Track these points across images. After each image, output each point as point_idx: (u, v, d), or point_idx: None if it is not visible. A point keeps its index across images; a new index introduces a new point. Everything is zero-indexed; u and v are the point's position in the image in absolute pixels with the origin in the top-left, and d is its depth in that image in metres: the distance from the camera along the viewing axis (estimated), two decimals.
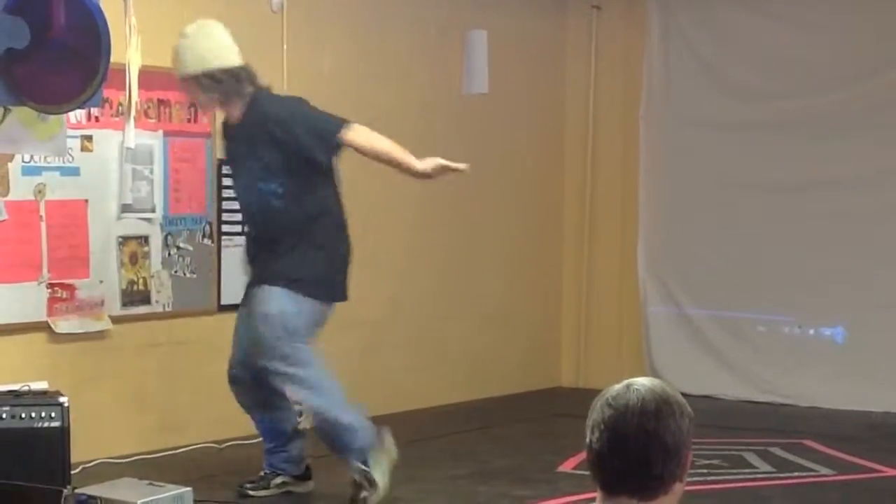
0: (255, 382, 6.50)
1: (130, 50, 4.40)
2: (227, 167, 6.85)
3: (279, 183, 6.29)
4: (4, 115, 4.42)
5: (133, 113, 4.40)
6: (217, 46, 6.35)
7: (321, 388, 6.38)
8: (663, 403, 2.81)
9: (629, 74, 9.65)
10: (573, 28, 9.90)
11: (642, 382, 2.83)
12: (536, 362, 9.83)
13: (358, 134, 6.29)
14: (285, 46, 7.98)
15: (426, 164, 6.33)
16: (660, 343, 9.62)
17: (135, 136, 4.58)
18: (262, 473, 6.67)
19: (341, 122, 6.31)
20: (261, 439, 6.81)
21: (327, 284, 6.43)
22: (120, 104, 6.91)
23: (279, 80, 7.93)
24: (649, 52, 9.56)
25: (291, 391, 6.45)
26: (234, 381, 6.61)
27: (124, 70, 5.70)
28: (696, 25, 9.49)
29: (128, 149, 6.85)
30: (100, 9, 4.15)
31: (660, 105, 9.57)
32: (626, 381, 2.84)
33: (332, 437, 6.39)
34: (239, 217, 7.74)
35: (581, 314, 9.95)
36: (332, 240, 6.44)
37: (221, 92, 6.32)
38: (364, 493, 6.27)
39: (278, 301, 6.30)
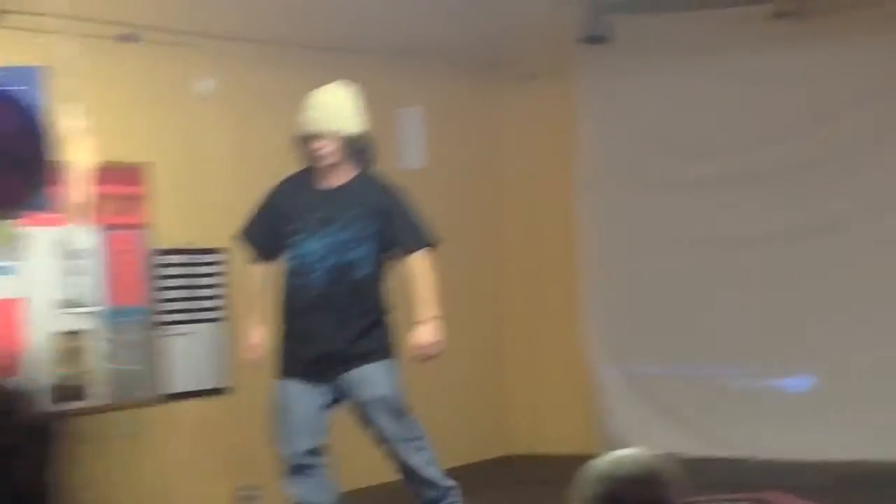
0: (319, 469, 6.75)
1: (79, 151, 4.40)
2: (294, 219, 6.83)
3: (365, 254, 6.69)
4: None
5: (80, 214, 4.40)
6: (361, 112, 6.81)
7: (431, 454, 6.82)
8: (659, 475, 2.87)
9: (567, 139, 9.68)
10: (508, 98, 9.94)
11: (631, 455, 2.88)
12: (487, 429, 9.80)
13: (423, 258, 6.78)
14: (222, 133, 8.00)
15: (431, 332, 6.76)
16: (611, 403, 9.61)
17: (84, 233, 4.55)
18: None
19: (429, 241, 6.86)
20: None
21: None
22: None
23: (214, 167, 7.97)
24: (583, 116, 9.60)
25: (417, 460, 6.75)
26: (301, 471, 6.75)
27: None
28: (629, 87, 9.54)
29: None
30: (39, 116, 4.14)
31: (598, 166, 9.61)
32: (612, 455, 2.88)
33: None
34: (180, 305, 7.77)
35: (531, 380, 9.94)
36: (385, 310, 6.81)
37: (348, 154, 6.72)
38: None
39: (387, 379, 6.68)
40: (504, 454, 9.81)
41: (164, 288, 7.72)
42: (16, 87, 4.16)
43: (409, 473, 6.83)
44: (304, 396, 6.72)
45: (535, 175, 9.83)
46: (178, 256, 7.81)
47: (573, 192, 9.65)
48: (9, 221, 4.45)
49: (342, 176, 6.81)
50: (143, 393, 7.60)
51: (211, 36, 7.88)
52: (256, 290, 6.98)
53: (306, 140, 6.79)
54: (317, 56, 8.53)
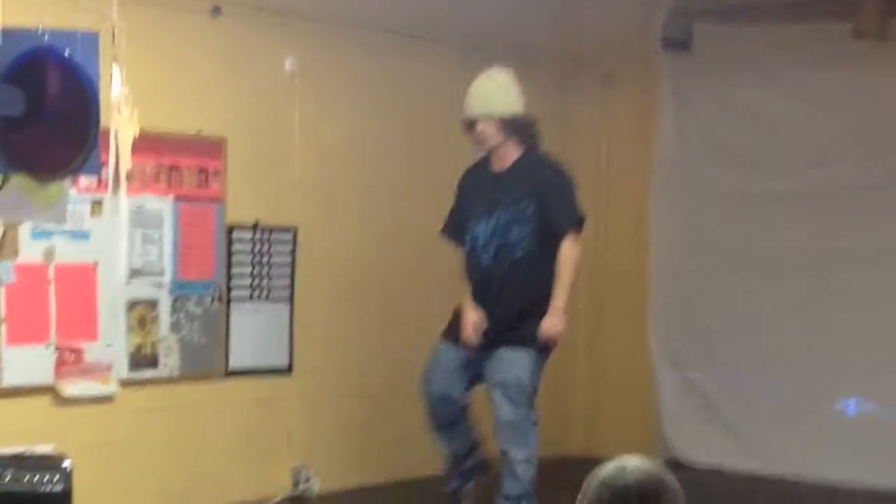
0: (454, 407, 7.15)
1: (121, 119, 4.45)
2: (472, 205, 7.17)
3: (528, 233, 6.95)
4: (4, 183, 4.47)
5: (123, 182, 4.44)
6: (518, 94, 7.09)
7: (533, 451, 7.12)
8: (661, 485, 2.85)
9: (641, 145, 9.65)
10: (585, 99, 9.91)
11: (636, 464, 2.87)
12: (546, 430, 9.76)
13: (568, 241, 6.97)
14: (298, 112, 8.04)
15: (560, 316, 6.99)
16: (670, 412, 9.57)
17: (126, 203, 4.61)
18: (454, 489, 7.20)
19: (575, 221, 7.06)
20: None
21: None
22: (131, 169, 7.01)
23: (292, 145, 8.03)
24: (660, 124, 9.57)
25: (516, 452, 7.00)
26: (444, 423, 7.20)
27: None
28: (706, 99, 9.48)
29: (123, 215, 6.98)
30: (91, 79, 4.21)
31: (671, 176, 9.56)
32: (617, 462, 2.88)
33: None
34: (248, 282, 7.85)
35: (591, 381, 9.93)
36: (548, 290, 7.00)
37: (509, 134, 7.00)
38: None
39: (524, 368, 6.96)
40: (560, 454, 9.78)
41: (234, 264, 7.78)
42: (69, 51, 4.21)
43: (505, 460, 7.05)
44: (458, 360, 7.11)
45: (607, 177, 9.80)
46: (248, 233, 7.86)
47: (644, 197, 9.62)
48: (59, 184, 4.50)
49: (509, 157, 7.11)
50: (208, 366, 7.68)
51: (294, 14, 7.94)
52: (463, 276, 7.26)
53: (468, 126, 7.11)
54: (395, 42, 8.58)
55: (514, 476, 7.04)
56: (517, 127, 7.07)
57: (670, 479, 2.87)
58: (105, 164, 4.79)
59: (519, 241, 7.01)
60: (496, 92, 7.12)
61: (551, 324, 7.00)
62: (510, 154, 7.11)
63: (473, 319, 7.07)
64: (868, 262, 8.95)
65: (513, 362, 6.96)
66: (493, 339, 7.04)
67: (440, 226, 7.44)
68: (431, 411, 7.26)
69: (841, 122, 9.13)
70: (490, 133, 7.06)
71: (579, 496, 2.88)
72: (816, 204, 9.13)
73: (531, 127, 7.14)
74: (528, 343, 6.98)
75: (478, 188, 7.16)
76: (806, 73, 9.19)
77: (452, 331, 7.19)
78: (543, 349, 7.07)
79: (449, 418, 7.22)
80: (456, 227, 7.30)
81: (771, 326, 9.27)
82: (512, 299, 7.01)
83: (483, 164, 7.22)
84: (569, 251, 7.00)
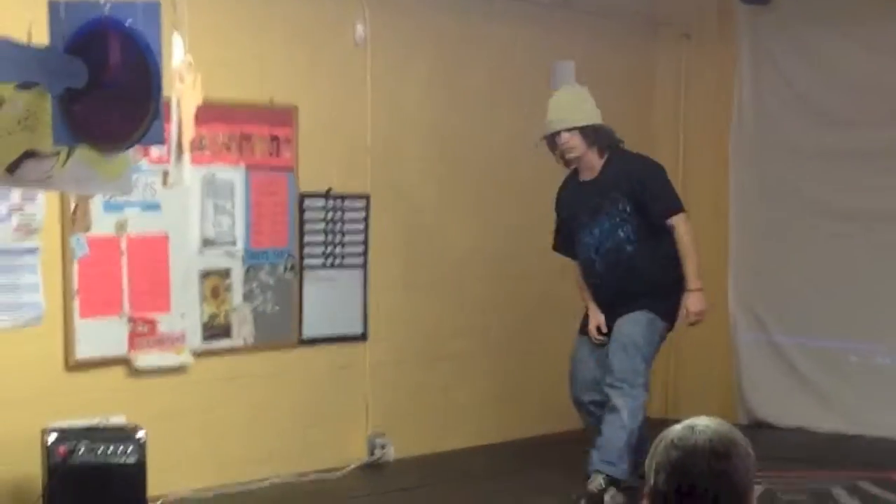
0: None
1: (184, 87, 4.39)
2: (574, 219, 7.47)
3: (633, 229, 7.26)
4: (69, 155, 4.44)
5: (185, 152, 4.38)
6: (595, 105, 7.42)
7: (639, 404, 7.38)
8: (731, 445, 2.80)
9: (719, 102, 9.52)
10: (663, 57, 9.80)
11: (706, 423, 2.82)
12: None
13: (678, 225, 7.31)
14: (369, 78, 7.98)
15: (699, 295, 7.37)
16: (750, 373, 9.47)
17: (189, 173, 4.57)
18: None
19: (676, 207, 7.37)
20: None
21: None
22: (203, 139, 7.00)
23: (364, 113, 7.97)
24: (739, 79, 9.42)
25: (621, 402, 7.24)
26: (583, 408, 7.55)
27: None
28: (786, 53, 9.34)
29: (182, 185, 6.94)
30: (150, 48, 4.16)
31: (750, 133, 9.44)
32: (687, 422, 2.84)
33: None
34: (321, 250, 7.82)
35: (670, 342, 9.82)
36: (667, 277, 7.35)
37: (591, 143, 7.30)
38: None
39: (642, 326, 7.33)
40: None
41: (307, 232, 7.75)
42: (130, 21, 4.18)
43: (610, 411, 7.25)
44: (592, 354, 7.44)
45: (687, 136, 9.67)
46: (321, 200, 7.82)
47: (724, 155, 9.48)
48: (124, 156, 4.47)
49: (596, 164, 7.38)
50: (281, 335, 7.66)
51: None
52: (581, 283, 7.59)
53: (551, 141, 7.38)
54: (471, 3, 8.48)
55: (620, 426, 7.21)
56: (598, 135, 7.35)
57: (740, 437, 2.82)
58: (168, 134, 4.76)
59: (626, 239, 7.30)
60: (576, 104, 7.39)
61: (695, 302, 7.35)
62: (596, 162, 7.37)
63: (599, 322, 7.43)
64: None
65: (629, 320, 7.29)
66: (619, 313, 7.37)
67: (511, 186, 7.35)
68: (579, 412, 7.67)
69: None
70: (575, 144, 7.32)
71: (647, 458, 2.84)
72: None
73: (611, 133, 7.41)
74: (646, 307, 7.30)
75: (575, 201, 7.46)
76: (889, 24, 9.01)
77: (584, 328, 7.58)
78: (664, 319, 7.39)
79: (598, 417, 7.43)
80: (564, 242, 7.62)
81: (852, 285, 9.14)
82: (630, 293, 7.29)
83: (573, 178, 7.51)
84: (685, 233, 7.34)
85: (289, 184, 7.68)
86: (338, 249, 7.93)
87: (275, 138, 7.58)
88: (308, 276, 7.79)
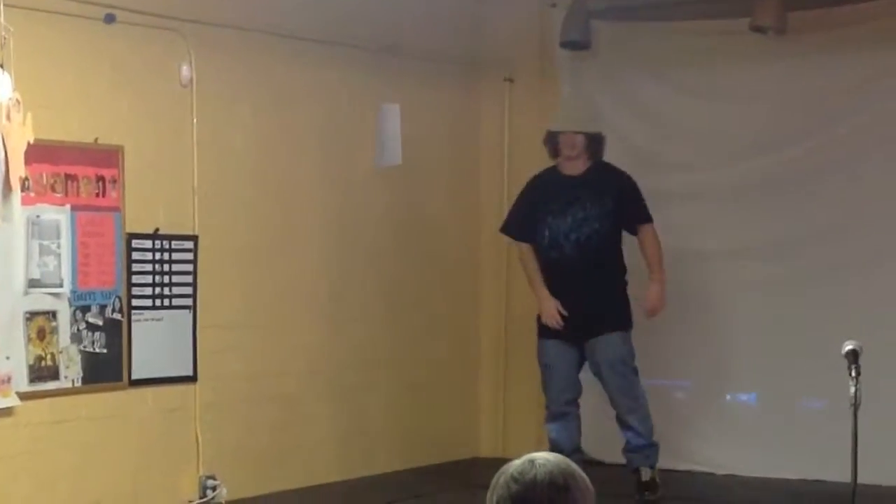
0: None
1: (12, 125, 4.35)
2: (545, 203, 8.30)
3: (609, 227, 8.17)
4: None
5: (15, 189, 4.32)
6: (596, 115, 8.76)
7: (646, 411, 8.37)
8: (571, 478, 2.85)
9: (541, 145, 9.67)
10: (486, 100, 9.96)
11: (546, 457, 2.89)
12: (456, 432, 9.79)
13: (649, 230, 8.34)
14: (195, 120, 7.98)
15: (659, 296, 8.32)
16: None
17: (20, 211, 4.49)
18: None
19: (648, 217, 8.35)
20: None
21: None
22: (26, 179, 6.91)
23: (190, 153, 7.96)
24: None
25: (630, 413, 8.27)
26: (560, 417, 8.32)
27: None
28: (608, 98, 9.53)
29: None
30: None
31: None
32: (526, 457, 2.90)
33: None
34: (149, 291, 7.78)
35: (499, 382, 9.95)
36: (623, 275, 8.34)
37: (586, 147, 8.31)
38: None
39: (623, 346, 8.25)
40: (470, 457, 9.80)
41: (135, 272, 7.71)
42: None
43: (622, 422, 8.26)
44: (564, 355, 8.28)
45: (511, 177, 9.77)
46: (148, 241, 7.79)
47: None
48: None
49: (580, 166, 8.32)
50: (110, 377, 7.58)
51: (189, 20, 7.88)
52: (532, 266, 8.41)
53: (560, 135, 8.35)
54: (298, 46, 8.55)
55: (634, 431, 8.22)
56: (597, 144, 8.38)
57: (579, 472, 2.88)
58: None
59: (598, 233, 8.13)
60: (588, 113, 8.70)
61: (656, 294, 8.27)
62: (582, 165, 8.33)
63: (556, 305, 8.18)
64: (778, 252, 9.06)
65: (613, 342, 8.18)
66: (591, 325, 8.17)
67: (341, 227, 7.36)
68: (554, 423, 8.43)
69: (743, 117, 9.22)
70: (579, 144, 8.31)
71: (489, 492, 2.88)
72: (722, 199, 9.22)
73: (602, 142, 8.40)
74: (623, 326, 8.22)
75: (551, 190, 8.31)
76: (706, 69, 9.28)
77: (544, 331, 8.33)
78: (629, 327, 8.29)
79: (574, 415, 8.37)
80: (520, 225, 8.46)
81: (675, 323, 9.28)
82: (597, 285, 8.14)
83: (552, 172, 8.43)
84: (653, 237, 8.32)
85: (115, 224, 7.63)
86: (166, 290, 7.89)
87: (100, 178, 7.53)
88: (136, 316, 7.73)
